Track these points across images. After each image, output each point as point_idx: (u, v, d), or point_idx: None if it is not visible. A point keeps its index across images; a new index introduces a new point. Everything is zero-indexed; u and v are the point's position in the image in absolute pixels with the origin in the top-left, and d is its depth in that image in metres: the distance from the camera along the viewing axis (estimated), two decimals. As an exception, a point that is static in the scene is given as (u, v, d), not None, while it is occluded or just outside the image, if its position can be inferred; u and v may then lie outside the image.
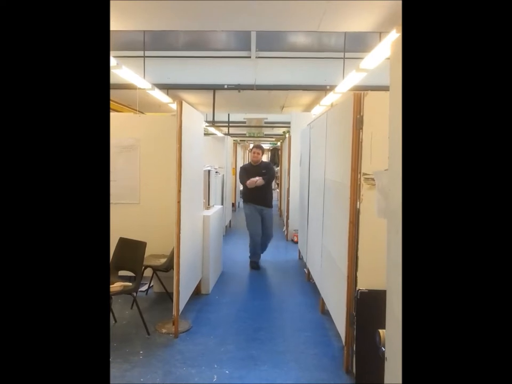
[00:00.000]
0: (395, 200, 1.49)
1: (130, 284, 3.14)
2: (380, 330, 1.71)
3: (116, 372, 2.67)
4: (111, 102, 7.90)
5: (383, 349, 1.60)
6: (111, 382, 2.55)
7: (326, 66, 7.34)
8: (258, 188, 5.23)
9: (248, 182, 5.21)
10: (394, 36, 3.34)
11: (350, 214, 2.62)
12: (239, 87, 7.70)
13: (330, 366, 2.83)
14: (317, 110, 7.64)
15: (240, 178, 5.57)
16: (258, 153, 5.42)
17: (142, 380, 2.58)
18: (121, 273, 3.45)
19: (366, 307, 2.50)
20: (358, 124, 2.58)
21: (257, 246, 5.41)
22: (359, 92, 2.55)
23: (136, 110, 7.72)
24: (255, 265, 5.45)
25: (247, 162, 6.14)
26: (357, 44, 6.84)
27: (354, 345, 2.63)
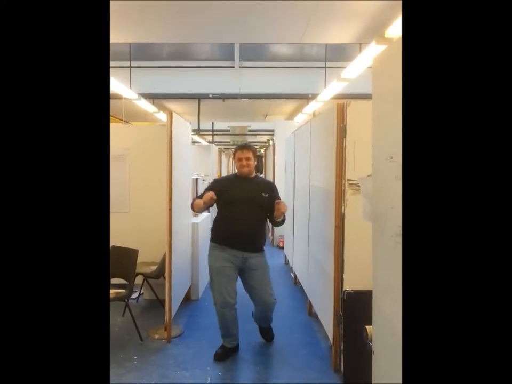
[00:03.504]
0: (379, 204, 1.63)
1: (124, 290, 3.20)
2: (367, 327, 1.83)
3: (111, 376, 2.72)
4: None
5: (370, 344, 1.72)
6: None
7: (308, 76, 7.54)
8: (243, 217, 2.92)
9: (202, 198, 2.94)
10: (374, 48, 3.52)
11: (336, 218, 2.75)
12: (223, 96, 7.82)
13: (319, 365, 2.94)
14: (300, 118, 7.82)
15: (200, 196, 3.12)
16: (248, 158, 2.99)
17: None
18: (112, 281, 3.51)
19: (352, 307, 2.62)
20: (342, 132, 2.71)
21: (230, 323, 3.01)
22: (342, 102, 2.70)
23: (122, 120, 7.78)
24: (223, 353, 3.02)
25: (230, 174, 3.77)
26: (338, 53, 7.06)
27: (342, 344, 2.74)
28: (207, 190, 3.02)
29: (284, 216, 3.00)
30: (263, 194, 2.98)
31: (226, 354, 3.03)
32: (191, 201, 4.16)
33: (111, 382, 2.62)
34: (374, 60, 1.67)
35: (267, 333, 3.35)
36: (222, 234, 2.99)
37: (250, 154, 3.01)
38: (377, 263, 1.64)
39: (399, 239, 1.36)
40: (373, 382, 1.68)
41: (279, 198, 3.04)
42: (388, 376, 1.53)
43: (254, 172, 3.14)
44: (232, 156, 3.19)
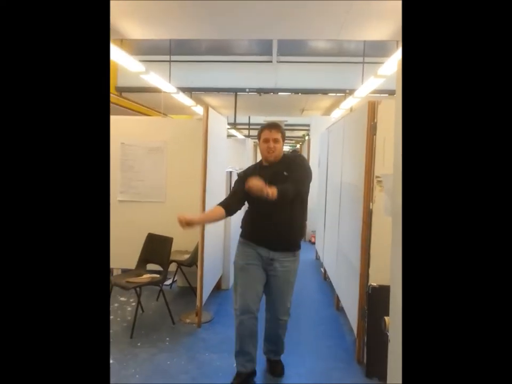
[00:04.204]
0: (397, 201, 1.68)
1: (158, 275, 3.38)
2: (385, 317, 1.90)
3: (145, 355, 2.91)
4: (137, 105, 8.22)
5: (387, 333, 1.79)
6: (139, 366, 2.80)
7: (346, 71, 7.50)
8: (271, 208, 2.36)
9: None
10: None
11: (363, 214, 2.80)
12: (260, 91, 7.90)
13: (343, 356, 3.01)
14: (337, 114, 7.80)
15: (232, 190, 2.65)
16: (277, 140, 2.47)
17: (168, 363, 2.82)
18: (148, 267, 3.70)
19: (377, 301, 2.67)
20: (372, 129, 2.75)
21: (247, 337, 2.50)
22: (374, 100, 2.73)
23: (161, 113, 8.03)
24: (239, 380, 2.53)
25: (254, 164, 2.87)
26: (377, 49, 6.98)
27: (366, 337, 2.80)
28: (234, 189, 2.57)
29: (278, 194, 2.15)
30: (284, 173, 2.41)
31: (243, 381, 2.52)
32: (224, 193, 4.30)
33: (144, 360, 2.81)
34: (398, 62, 1.71)
35: (276, 366, 2.77)
36: (248, 229, 2.57)
37: (279, 136, 2.48)
38: (394, 257, 1.70)
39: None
40: (388, 368, 1.75)
41: (302, 177, 2.43)
42: (397, 348, 1.59)
43: (281, 155, 2.53)
44: (257, 137, 2.53)
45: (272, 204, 2.22)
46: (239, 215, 2.71)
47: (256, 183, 2.11)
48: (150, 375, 2.66)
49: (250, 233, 2.55)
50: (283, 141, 2.52)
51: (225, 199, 2.54)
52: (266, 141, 2.46)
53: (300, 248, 2.61)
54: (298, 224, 2.57)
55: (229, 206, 2.45)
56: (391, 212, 1.82)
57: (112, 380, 2.53)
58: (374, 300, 2.70)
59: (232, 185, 2.72)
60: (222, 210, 2.42)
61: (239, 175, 2.64)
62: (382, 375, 1.87)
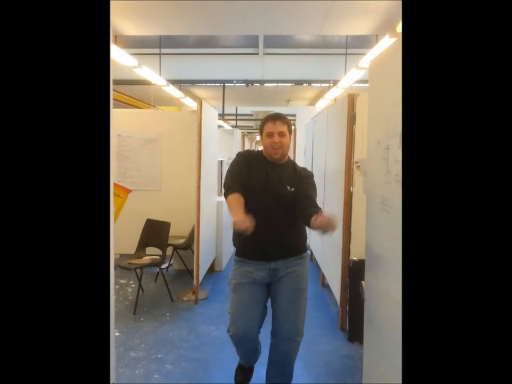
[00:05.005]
0: (370, 180, 1.98)
1: (158, 257, 3.66)
2: (362, 282, 2.23)
3: (148, 328, 3.20)
4: (127, 97, 8.40)
5: (363, 295, 2.11)
6: (144, 337, 3.08)
7: (330, 62, 7.74)
8: (266, 215, 2.02)
9: (234, 218, 1.80)
10: (388, 41, 3.81)
11: (344, 196, 3.10)
12: (247, 82, 8.12)
13: (328, 325, 3.33)
14: (321, 104, 8.08)
15: (226, 180, 2.12)
16: (282, 134, 2.09)
17: (170, 334, 3.11)
18: (147, 251, 3.96)
19: (357, 273, 2.98)
20: (352, 119, 3.05)
21: (246, 356, 2.30)
22: (353, 93, 3.02)
23: (151, 105, 8.22)
24: (244, 377, 2.38)
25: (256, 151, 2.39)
26: (360, 40, 7.25)
27: (347, 306, 3.12)
28: (240, 165, 2.13)
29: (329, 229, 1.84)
30: (288, 188, 2.07)
31: (247, 376, 2.37)
32: (216, 181, 4.55)
33: (147, 333, 3.09)
34: (370, 62, 2.01)
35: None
36: (242, 242, 2.11)
37: (285, 128, 2.08)
38: (368, 224, 2.02)
39: (382, 206, 1.73)
40: (364, 320, 2.07)
41: (308, 194, 2.10)
42: (375, 315, 1.91)
43: (287, 155, 2.20)
44: (259, 131, 2.16)
45: (268, 212, 2.02)
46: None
47: (329, 220, 1.75)
48: (154, 344, 2.95)
49: (244, 247, 2.13)
50: (290, 134, 2.12)
51: (235, 185, 2.04)
52: (270, 135, 2.06)
53: (307, 250, 2.25)
54: (299, 232, 2.19)
55: (241, 191, 2.02)
56: (366, 190, 2.13)
57: (119, 349, 2.81)
58: (354, 272, 3.02)
59: (223, 172, 2.35)
60: (243, 200, 1.98)
61: (242, 155, 2.20)
62: (362, 340, 2.16)
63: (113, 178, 1.77)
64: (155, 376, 2.54)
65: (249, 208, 1.93)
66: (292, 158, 2.35)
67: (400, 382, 0.95)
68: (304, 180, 2.16)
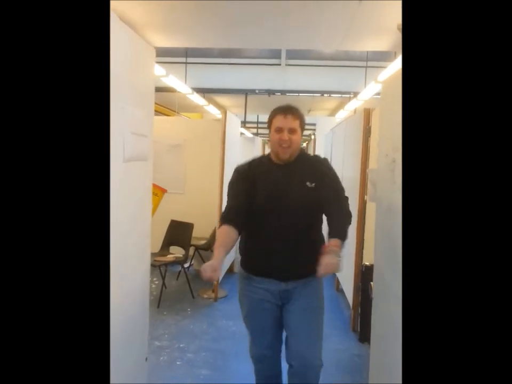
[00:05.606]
0: (379, 189, 2.18)
1: (181, 255, 3.90)
2: (371, 283, 2.41)
3: (170, 321, 3.44)
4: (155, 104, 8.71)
5: (372, 295, 2.30)
6: (167, 329, 3.32)
7: (351, 74, 7.93)
8: (276, 226, 1.78)
9: (205, 263, 1.52)
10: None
11: (359, 204, 3.29)
12: (269, 92, 8.36)
13: (341, 326, 3.51)
14: (341, 114, 8.27)
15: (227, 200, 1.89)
16: (293, 130, 1.78)
17: (191, 326, 3.35)
18: (170, 250, 4.22)
19: (369, 277, 3.16)
20: (367, 132, 3.24)
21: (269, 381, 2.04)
22: (368, 108, 3.22)
23: (175, 111, 8.54)
24: None
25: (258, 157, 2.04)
26: (379, 54, 7.42)
27: (359, 309, 3.30)
28: (236, 194, 1.84)
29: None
30: (307, 184, 1.78)
31: None
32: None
33: (169, 325, 3.33)
34: (383, 82, 2.21)
35: None
36: (249, 256, 1.88)
37: (296, 124, 1.79)
38: (377, 230, 2.21)
39: (389, 211, 1.92)
40: (372, 318, 2.26)
41: (333, 187, 1.85)
42: (382, 313, 2.10)
43: (298, 150, 1.85)
44: (267, 125, 1.88)
45: (280, 223, 1.76)
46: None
47: (331, 262, 1.54)
48: (177, 335, 3.18)
49: (252, 262, 1.87)
50: (302, 130, 1.84)
51: (230, 212, 1.79)
52: (279, 130, 1.77)
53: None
54: (319, 238, 1.87)
55: (239, 222, 1.75)
56: (374, 198, 2.33)
57: (144, 340, 3.05)
58: (366, 276, 3.19)
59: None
60: (235, 233, 1.73)
61: (238, 171, 1.89)
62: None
63: (151, 180, 2.00)
64: (177, 363, 2.77)
65: (257, 226, 1.77)
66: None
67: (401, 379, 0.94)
68: (323, 169, 1.84)
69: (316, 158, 1.98)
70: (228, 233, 1.71)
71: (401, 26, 1.58)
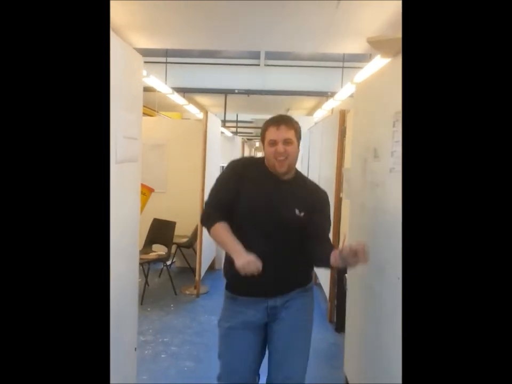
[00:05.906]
0: (353, 187, 2.33)
1: (164, 253, 3.99)
2: (345, 275, 2.57)
3: (154, 316, 3.53)
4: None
5: (346, 287, 2.46)
6: (151, 324, 3.41)
7: (328, 74, 8.12)
8: (263, 244, 1.63)
9: (240, 261, 1.51)
10: (379, 60, 4.18)
11: (334, 201, 3.45)
12: (248, 92, 8.47)
13: (318, 318, 3.64)
14: (319, 114, 8.45)
15: (209, 199, 1.83)
16: (289, 141, 1.66)
17: (175, 322, 3.45)
18: (153, 248, 4.30)
19: (344, 270, 3.32)
20: (342, 133, 3.40)
21: None
22: (343, 109, 3.38)
23: (155, 111, 8.57)
24: None
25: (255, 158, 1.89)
26: (356, 55, 7.62)
27: (335, 301, 3.46)
28: (220, 188, 1.80)
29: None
30: (296, 212, 1.67)
31: None
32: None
33: (153, 321, 3.42)
34: (356, 86, 2.37)
35: None
36: (233, 275, 1.62)
37: (291, 134, 1.67)
38: (351, 224, 2.36)
39: (362, 207, 2.07)
40: (346, 307, 2.41)
41: (322, 225, 1.70)
42: (356, 304, 2.26)
43: (295, 167, 1.77)
44: (260, 137, 1.76)
45: (273, 235, 1.65)
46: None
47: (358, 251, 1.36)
48: (161, 329, 3.28)
49: (237, 281, 1.70)
50: (298, 141, 1.71)
51: (213, 208, 1.75)
52: (273, 143, 1.66)
53: (312, 280, 1.84)
54: (308, 252, 1.68)
55: (226, 217, 1.70)
56: (349, 195, 2.49)
57: (129, 335, 3.14)
58: (342, 270, 3.35)
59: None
60: (228, 226, 1.68)
61: (233, 165, 1.80)
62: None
63: (139, 180, 2.09)
64: (162, 356, 2.87)
65: (242, 234, 1.62)
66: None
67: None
68: (317, 205, 1.73)
69: (316, 188, 1.83)
70: (227, 228, 1.66)
71: (371, 40, 1.68)
